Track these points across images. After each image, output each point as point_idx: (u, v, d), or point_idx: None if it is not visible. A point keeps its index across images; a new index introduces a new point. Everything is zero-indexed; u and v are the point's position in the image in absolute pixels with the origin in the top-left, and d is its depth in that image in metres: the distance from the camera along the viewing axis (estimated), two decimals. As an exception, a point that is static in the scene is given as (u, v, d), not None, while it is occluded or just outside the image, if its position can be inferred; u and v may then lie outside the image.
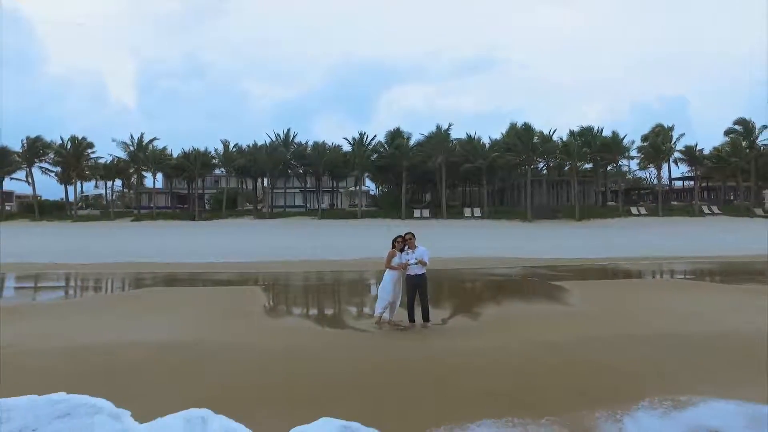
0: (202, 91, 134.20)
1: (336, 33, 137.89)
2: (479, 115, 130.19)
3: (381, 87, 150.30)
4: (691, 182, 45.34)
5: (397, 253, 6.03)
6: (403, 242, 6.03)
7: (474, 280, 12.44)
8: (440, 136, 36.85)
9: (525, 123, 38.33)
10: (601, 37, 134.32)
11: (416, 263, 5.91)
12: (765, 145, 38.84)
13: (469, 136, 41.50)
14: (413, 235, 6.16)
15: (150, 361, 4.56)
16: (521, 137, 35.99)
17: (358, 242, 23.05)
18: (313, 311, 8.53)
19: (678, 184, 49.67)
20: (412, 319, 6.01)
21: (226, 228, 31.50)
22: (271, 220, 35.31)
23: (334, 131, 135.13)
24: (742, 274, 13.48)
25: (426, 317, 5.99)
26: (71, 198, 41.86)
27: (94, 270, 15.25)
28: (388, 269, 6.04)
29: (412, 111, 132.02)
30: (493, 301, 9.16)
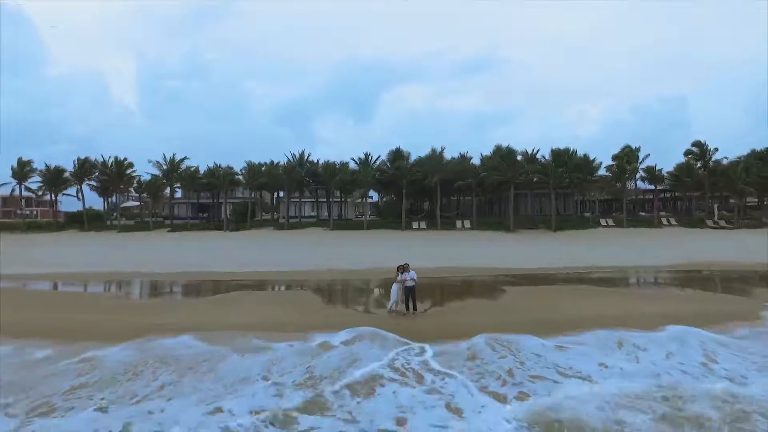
0: (204, 91, 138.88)
1: (337, 33, 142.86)
2: (480, 115, 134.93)
3: (382, 87, 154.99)
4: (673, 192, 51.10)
5: (399, 274, 11.64)
6: (403, 269, 11.66)
7: (451, 284, 18.02)
8: (435, 158, 42.68)
9: (508, 146, 44.15)
10: (602, 37, 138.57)
11: (410, 280, 11.52)
12: (717, 160, 44.56)
13: (461, 155, 47.39)
14: (408, 264, 11.77)
15: (293, 333, 10.21)
16: (505, 159, 41.66)
17: (367, 252, 28.66)
18: (352, 306, 14.15)
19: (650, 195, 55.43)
20: (407, 310, 11.60)
21: (252, 239, 37.09)
22: (289, 231, 40.96)
23: (335, 131, 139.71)
24: (640, 281, 19.11)
25: (414, 308, 11.59)
26: (102, 208, 47.74)
27: (173, 277, 20.76)
28: (395, 282, 11.66)
29: (413, 111, 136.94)
30: (458, 298, 14.81)
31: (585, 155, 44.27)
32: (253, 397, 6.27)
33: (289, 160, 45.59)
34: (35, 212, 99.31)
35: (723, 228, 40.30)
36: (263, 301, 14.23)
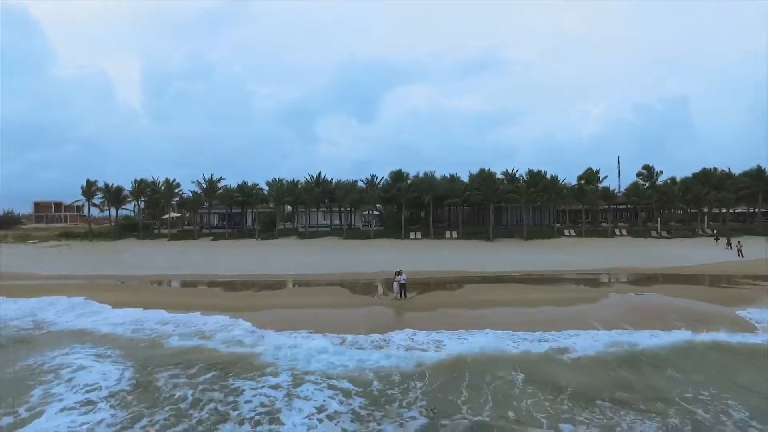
0: (208, 91, 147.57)
1: (340, 34, 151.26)
2: (482, 114, 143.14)
3: (384, 87, 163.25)
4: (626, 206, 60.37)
5: (396, 276, 20.92)
6: (398, 273, 20.95)
7: (432, 282, 27.23)
8: (428, 180, 52.24)
9: (489, 170, 53.47)
10: (604, 37, 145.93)
11: (402, 280, 20.82)
12: (664, 181, 53.78)
13: (451, 176, 56.61)
14: (401, 270, 21.08)
15: (345, 309, 19.60)
16: (486, 181, 50.95)
17: (374, 258, 37.78)
18: (368, 294, 23.43)
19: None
20: (401, 297, 20.89)
21: (282, 247, 46.39)
22: (309, 240, 50.33)
23: (339, 131, 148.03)
24: (555, 279, 28.31)
25: (405, 296, 20.90)
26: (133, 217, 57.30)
27: (239, 278, 30.03)
28: (394, 281, 20.97)
29: (416, 110, 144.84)
30: (431, 290, 24.08)
31: (554, 176, 53.45)
32: (354, 331, 15.56)
33: (307, 180, 55.04)
34: (65, 217, 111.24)
35: (663, 238, 49.45)
36: (314, 293, 23.56)
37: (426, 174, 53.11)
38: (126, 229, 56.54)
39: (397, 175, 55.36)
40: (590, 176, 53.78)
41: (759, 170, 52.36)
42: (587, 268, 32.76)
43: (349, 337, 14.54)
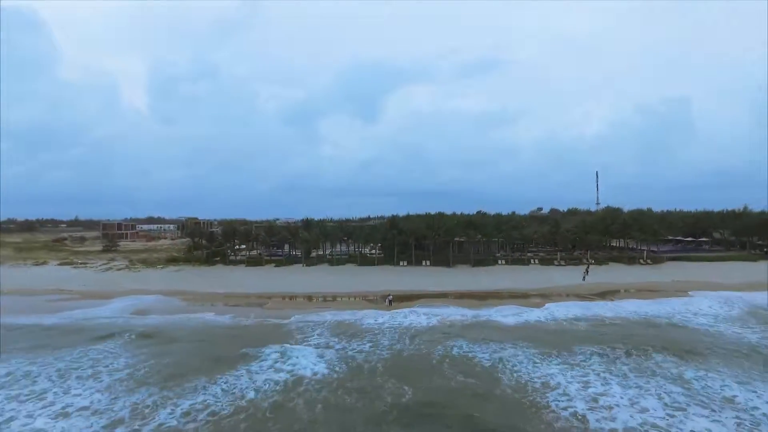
0: (213, 93, 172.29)
1: (344, 35, 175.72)
2: (485, 114, 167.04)
3: (388, 88, 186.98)
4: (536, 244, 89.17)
5: (387, 295, 49.53)
6: (388, 294, 49.63)
7: (406, 296, 55.81)
8: (413, 220, 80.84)
9: (454, 213, 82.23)
10: (607, 38, 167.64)
11: (390, 296, 49.47)
12: (568, 229, 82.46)
13: (428, 214, 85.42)
14: (389, 291, 49.78)
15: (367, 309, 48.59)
16: (459, 223, 79.68)
17: (376, 280, 66.19)
18: (372, 303, 52.08)
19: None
20: (389, 304, 49.51)
21: (319, 272, 74.82)
22: (336, 267, 78.97)
23: (343, 132, 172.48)
24: (461, 296, 56.97)
25: (391, 304, 49.61)
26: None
27: (314, 294, 58.57)
28: (386, 296, 49.66)
29: (419, 111, 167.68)
30: (405, 300, 52.74)
31: (513, 212, 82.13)
32: (376, 318, 44.22)
33: (334, 222, 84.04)
34: (126, 234, 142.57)
35: (562, 266, 77.88)
36: (349, 303, 52.15)
37: (408, 214, 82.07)
38: (210, 255, 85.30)
39: (394, 221, 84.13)
40: (536, 215, 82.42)
41: (609, 210, 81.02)
42: (487, 288, 61.35)
43: (372, 312, 43.23)
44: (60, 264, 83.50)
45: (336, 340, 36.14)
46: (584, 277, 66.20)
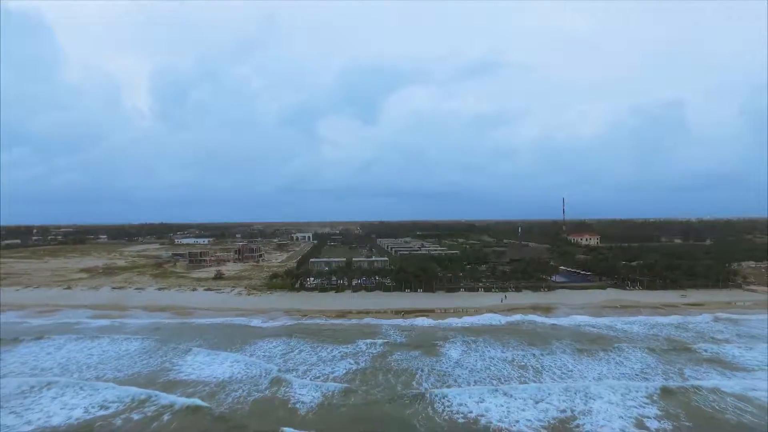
0: (215, 95, 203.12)
1: (343, 37, 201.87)
2: (482, 115, 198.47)
3: (387, 89, 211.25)
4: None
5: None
6: (401, 311, 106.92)
7: (404, 311, 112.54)
8: (412, 258, 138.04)
9: (437, 251, 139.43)
10: (603, 40, 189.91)
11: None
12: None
13: (418, 249, 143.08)
14: (402, 310, 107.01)
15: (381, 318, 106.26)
16: (440, 262, 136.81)
17: (391, 302, 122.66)
18: (387, 314, 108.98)
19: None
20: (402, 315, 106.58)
21: (361, 297, 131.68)
22: (369, 292, 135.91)
23: (342, 133, 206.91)
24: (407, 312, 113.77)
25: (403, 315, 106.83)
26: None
27: (372, 310, 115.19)
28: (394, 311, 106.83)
29: (418, 112, 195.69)
30: (403, 313, 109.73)
31: (475, 248, 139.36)
32: (397, 322, 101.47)
33: (356, 261, 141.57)
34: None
35: (496, 292, 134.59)
36: (382, 314, 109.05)
37: (411, 255, 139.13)
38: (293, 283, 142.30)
39: (401, 265, 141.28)
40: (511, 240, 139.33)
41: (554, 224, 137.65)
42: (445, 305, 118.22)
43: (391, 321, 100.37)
44: (205, 290, 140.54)
45: (399, 334, 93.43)
46: (502, 300, 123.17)
